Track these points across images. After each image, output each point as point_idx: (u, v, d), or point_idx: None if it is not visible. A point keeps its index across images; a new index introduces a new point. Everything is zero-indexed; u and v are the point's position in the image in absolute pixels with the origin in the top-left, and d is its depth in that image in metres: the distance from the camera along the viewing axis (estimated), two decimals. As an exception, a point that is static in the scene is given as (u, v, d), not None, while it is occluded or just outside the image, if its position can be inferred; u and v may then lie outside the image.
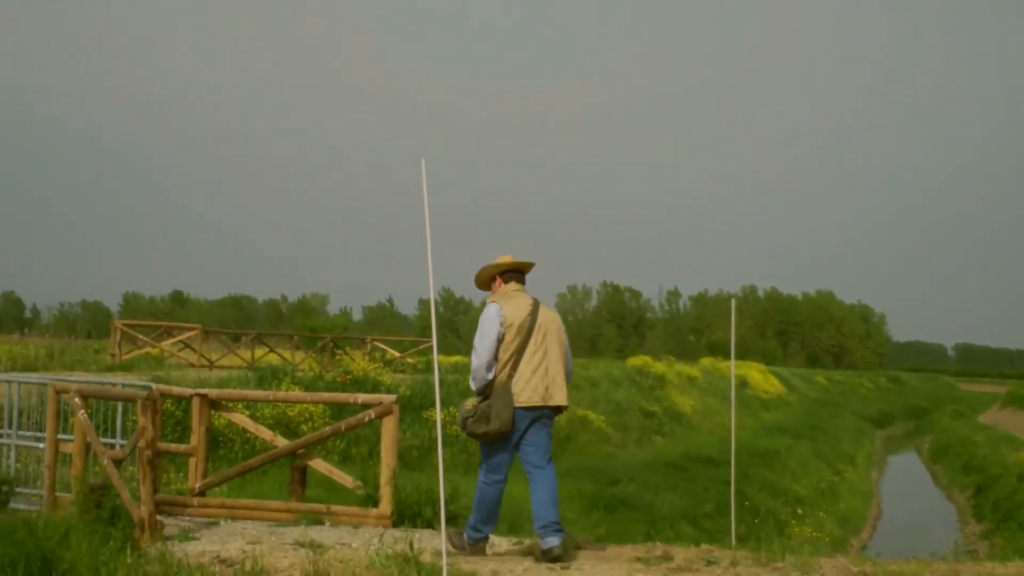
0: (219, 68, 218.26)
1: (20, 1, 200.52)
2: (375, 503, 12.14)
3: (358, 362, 32.61)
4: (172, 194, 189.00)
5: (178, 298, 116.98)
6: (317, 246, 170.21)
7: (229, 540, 10.62)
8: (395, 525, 11.71)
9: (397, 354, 43.32)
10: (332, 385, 25.98)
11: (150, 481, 10.79)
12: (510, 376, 9.60)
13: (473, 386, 9.78)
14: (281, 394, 17.02)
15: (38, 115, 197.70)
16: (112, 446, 13.12)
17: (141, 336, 37.47)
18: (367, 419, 12.61)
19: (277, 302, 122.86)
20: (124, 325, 36.92)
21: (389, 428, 12.26)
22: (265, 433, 13.76)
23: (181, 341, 38.08)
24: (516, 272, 10.08)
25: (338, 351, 40.57)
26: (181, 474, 15.77)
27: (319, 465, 13.02)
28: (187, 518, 12.06)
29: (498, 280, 10.08)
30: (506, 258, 10.06)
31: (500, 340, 9.61)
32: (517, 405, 9.52)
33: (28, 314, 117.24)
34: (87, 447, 11.66)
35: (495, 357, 9.61)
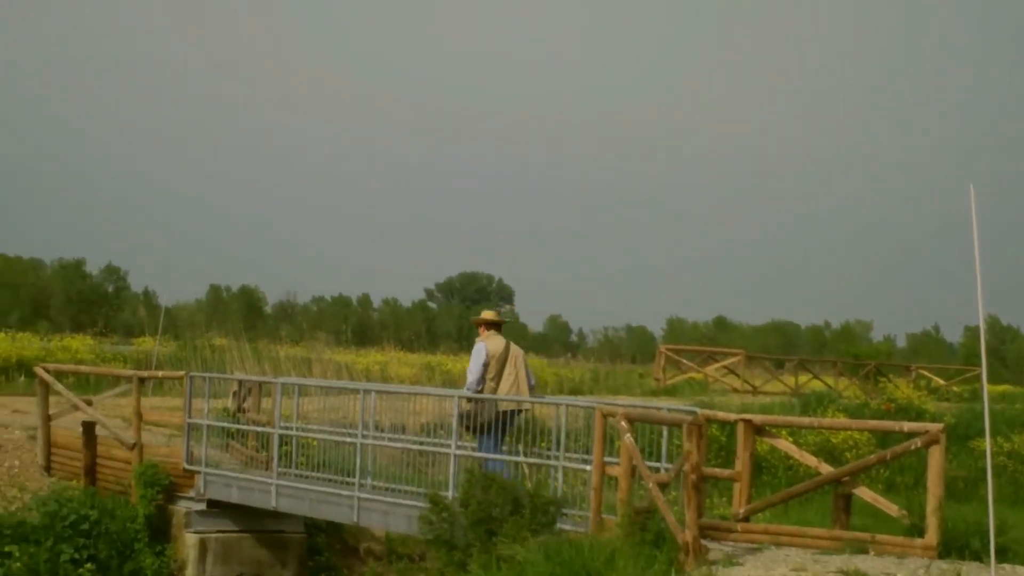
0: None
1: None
2: (920, 533, 11.81)
3: (902, 390, 31.85)
4: (690, 224, 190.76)
5: (721, 323, 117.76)
6: (861, 271, 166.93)
7: (772, 566, 10.65)
8: (941, 556, 11.36)
9: (942, 382, 41.96)
10: (876, 413, 25.54)
11: (695, 505, 10.99)
12: (494, 390, 14.63)
13: (465, 394, 14.73)
14: (826, 421, 16.98)
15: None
16: (657, 470, 13.47)
17: (685, 361, 38.27)
18: (913, 447, 12.30)
19: (820, 328, 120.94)
20: (668, 350, 37.92)
21: (936, 457, 11.90)
22: (810, 459, 13.71)
23: (724, 366, 38.50)
24: (495, 323, 15.23)
25: (881, 378, 39.75)
26: (724, 499, 15.99)
27: (864, 493, 12.82)
28: (730, 543, 12.16)
29: (483, 327, 15.19)
30: (489, 314, 15.43)
31: (486, 366, 14.72)
32: (499, 409, 14.31)
33: (574, 338, 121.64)
34: (633, 470, 11.97)
35: (483, 377, 14.70)
